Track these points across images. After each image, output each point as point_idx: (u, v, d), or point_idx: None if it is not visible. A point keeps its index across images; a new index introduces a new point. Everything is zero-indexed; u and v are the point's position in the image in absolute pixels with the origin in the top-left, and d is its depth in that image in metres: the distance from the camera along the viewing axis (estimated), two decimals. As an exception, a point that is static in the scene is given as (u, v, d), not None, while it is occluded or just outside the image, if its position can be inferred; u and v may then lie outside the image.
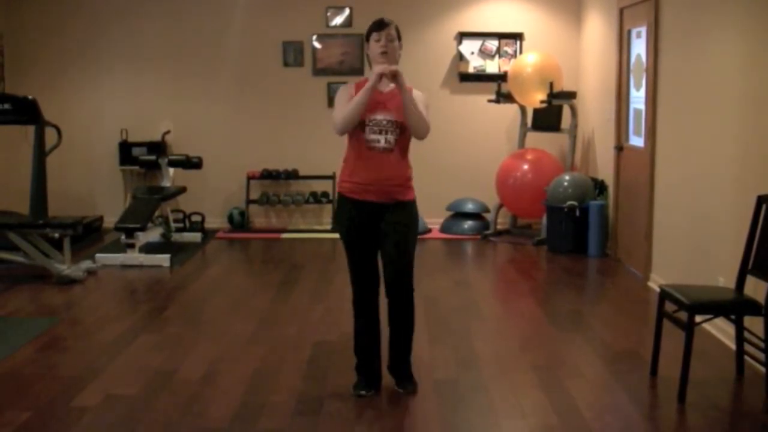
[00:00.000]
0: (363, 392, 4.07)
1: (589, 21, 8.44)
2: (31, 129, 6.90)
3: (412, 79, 4.11)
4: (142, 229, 7.25)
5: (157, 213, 7.99)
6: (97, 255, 7.17)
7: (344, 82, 8.85)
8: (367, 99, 3.84)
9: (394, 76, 3.82)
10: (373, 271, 4.07)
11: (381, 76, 3.83)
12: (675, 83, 5.89)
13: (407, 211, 4.01)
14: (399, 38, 3.99)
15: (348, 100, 3.91)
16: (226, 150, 8.91)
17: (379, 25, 3.97)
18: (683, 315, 4.07)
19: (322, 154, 8.74)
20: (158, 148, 8.64)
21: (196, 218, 8.70)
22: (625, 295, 6.20)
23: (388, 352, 4.17)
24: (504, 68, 8.69)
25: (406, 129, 3.93)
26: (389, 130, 3.90)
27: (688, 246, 5.58)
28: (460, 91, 8.86)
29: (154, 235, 7.88)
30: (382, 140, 3.90)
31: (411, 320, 4.10)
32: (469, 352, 4.75)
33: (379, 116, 3.90)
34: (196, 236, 8.32)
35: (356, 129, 3.92)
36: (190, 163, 8.25)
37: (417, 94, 3.99)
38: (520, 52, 8.71)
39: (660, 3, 6.17)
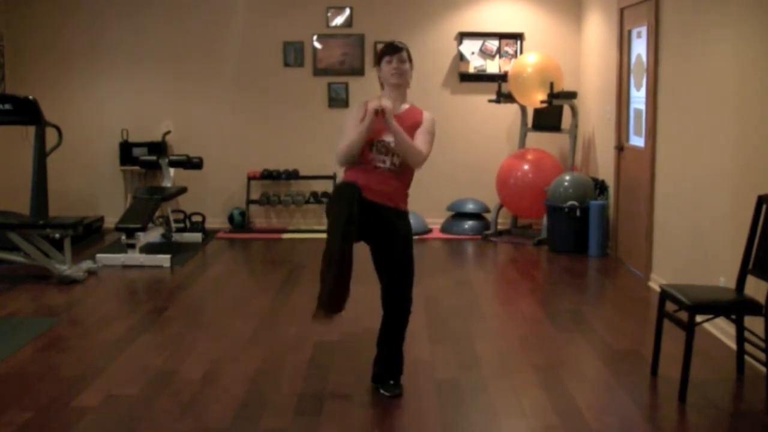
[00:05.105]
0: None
1: (589, 21, 8.44)
2: (31, 129, 6.92)
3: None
4: (143, 229, 7.25)
5: (157, 213, 7.99)
6: (98, 255, 7.18)
7: (345, 83, 8.94)
8: (364, 137, 3.89)
9: (383, 112, 3.83)
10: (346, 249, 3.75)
11: (376, 112, 3.86)
12: (675, 83, 5.89)
13: (403, 220, 4.03)
14: (410, 60, 4.07)
15: (355, 125, 3.94)
16: (227, 150, 8.91)
17: (393, 49, 4.04)
18: (684, 315, 4.07)
19: (323, 154, 8.74)
20: (159, 148, 8.65)
21: (196, 218, 8.70)
22: (625, 295, 6.20)
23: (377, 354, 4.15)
24: (504, 68, 8.69)
25: None
26: (396, 153, 3.94)
27: (689, 246, 5.58)
28: (460, 91, 8.86)
29: (154, 235, 7.88)
30: (387, 161, 3.95)
31: (402, 331, 4.08)
32: (470, 352, 4.75)
33: (388, 138, 3.94)
34: (196, 236, 8.32)
35: (364, 147, 3.95)
36: (191, 164, 8.25)
37: (426, 118, 4.06)
38: (521, 52, 8.71)
39: (660, 3, 6.17)
